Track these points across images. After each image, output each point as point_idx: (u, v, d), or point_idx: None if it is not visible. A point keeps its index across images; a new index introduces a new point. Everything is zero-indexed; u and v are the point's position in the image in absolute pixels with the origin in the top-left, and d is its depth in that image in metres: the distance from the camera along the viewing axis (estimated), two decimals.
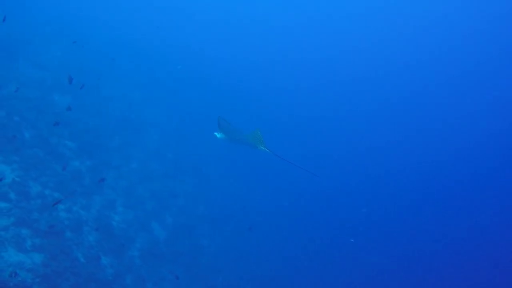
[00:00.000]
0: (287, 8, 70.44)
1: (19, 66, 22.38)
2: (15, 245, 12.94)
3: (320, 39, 66.74)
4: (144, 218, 19.55)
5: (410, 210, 37.68)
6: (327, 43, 66.12)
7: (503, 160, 49.35)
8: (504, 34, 62.40)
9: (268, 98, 47.37)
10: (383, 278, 28.01)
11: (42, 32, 29.09)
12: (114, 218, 17.85)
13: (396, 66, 64.48)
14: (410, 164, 46.37)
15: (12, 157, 15.72)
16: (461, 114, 58.11)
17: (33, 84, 21.06)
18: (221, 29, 59.05)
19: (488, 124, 56.51)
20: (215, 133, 12.64)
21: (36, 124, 18.26)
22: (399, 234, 33.80)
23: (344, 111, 52.22)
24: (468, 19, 65.48)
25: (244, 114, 39.31)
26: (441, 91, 61.38)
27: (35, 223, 13.93)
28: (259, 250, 25.78)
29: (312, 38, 66.81)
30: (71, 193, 16.46)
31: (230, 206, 27.20)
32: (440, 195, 42.33)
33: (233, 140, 12.88)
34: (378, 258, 29.72)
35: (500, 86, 60.67)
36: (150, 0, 52.92)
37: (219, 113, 32.71)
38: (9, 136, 16.33)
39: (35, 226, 13.84)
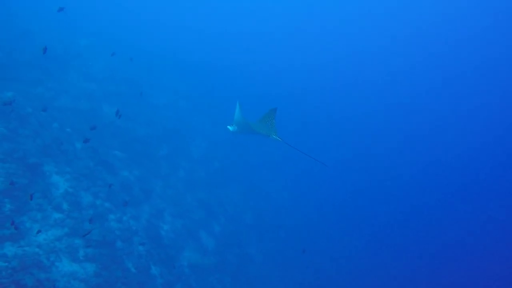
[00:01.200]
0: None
1: (70, 79, 22.92)
2: (69, 255, 13.11)
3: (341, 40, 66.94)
4: (192, 227, 19.57)
5: None
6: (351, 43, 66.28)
7: None
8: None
9: (315, 107, 47.38)
10: None
11: (91, 45, 29.79)
12: (163, 227, 17.92)
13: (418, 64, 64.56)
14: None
15: (65, 168, 16.01)
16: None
17: (83, 96, 21.51)
18: (262, 41, 59.44)
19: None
20: (228, 126, 12.46)
21: (87, 134, 18.57)
22: None
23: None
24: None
25: (287, 121, 39.12)
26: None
27: (88, 233, 14.07)
28: (306, 259, 25.42)
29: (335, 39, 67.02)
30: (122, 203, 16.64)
31: (277, 214, 26.99)
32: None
33: (245, 131, 12.61)
34: None
35: None
36: (194, 16, 53.77)
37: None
38: (62, 148, 16.66)
39: (88, 236, 13.98)
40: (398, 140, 49.57)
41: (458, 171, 47.02)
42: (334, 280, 25.55)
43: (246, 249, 22.35)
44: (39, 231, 11.19)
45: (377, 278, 26.72)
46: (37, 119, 17.22)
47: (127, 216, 16.59)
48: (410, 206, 38.35)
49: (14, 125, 15.80)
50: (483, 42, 64.33)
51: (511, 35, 61.17)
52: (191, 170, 23.22)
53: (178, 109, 29.13)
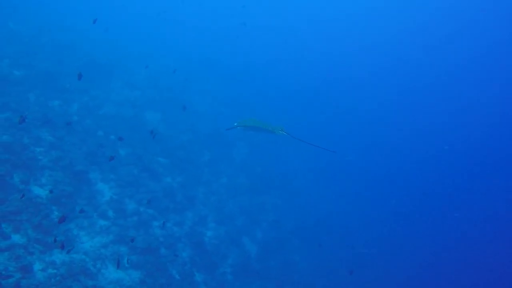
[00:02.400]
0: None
1: (114, 87, 23.32)
2: (115, 263, 13.19)
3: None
4: (235, 234, 19.42)
5: None
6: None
7: None
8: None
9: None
10: None
11: (132, 53, 30.32)
12: (206, 234, 17.86)
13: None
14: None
15: (110, 175, 16.23)
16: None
17: (127, 103, 21.82)
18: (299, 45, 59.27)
19: None
20: (234, 123, 12.30)
21: (131, 142, 18.80)
22: None
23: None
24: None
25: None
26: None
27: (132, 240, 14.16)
28: (351, 266, 24.86)
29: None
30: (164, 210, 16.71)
31: (320, 220, 26.55)
32: None
33: (251, 128, 12.41)
34: None
35: None
36: (234, 23, 54.02)
37: (304, 127, 32.37)
38: (107, 155, 16.88)
39: (132, 243, 14.06)
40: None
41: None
42: None
43: (289, 255, 22.01)
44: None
45: None
46: (83, 127, 17.56)
47: (171, 222, 16.63)
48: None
49: (61, 133, 16.13)
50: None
51: None
52: (233, 176, 23.12)
53: (219, 115, 29.15)
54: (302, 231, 24.23)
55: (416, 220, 33.73)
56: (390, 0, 70.67)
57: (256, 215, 22.01)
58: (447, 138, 49.74)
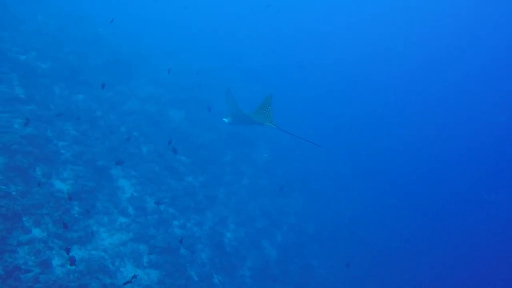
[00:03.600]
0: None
1: (138, 83, 23.19)
2: (133, 261, 12.98)
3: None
4: (255, 236, 19.09)
5: None
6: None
7: None
8: None
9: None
10: None
11: (156, 50, 30.22)
12: (226, 235, 17.56)
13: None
14: None
15: (131, 172, 16.05)
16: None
17: (150, 100, 21.67)
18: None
19: None
20: (224, 119, 12.04)
21: (153, 139, 18.63)
22: None
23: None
24: None
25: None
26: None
27: (152, 239, 13.95)
28: (370, 273, 24.42)
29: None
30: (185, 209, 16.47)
31: (341, 225, 26.11)
32: None
33: (240, 122, 12.12)
34: None
35: None
36: (257, 21, 53.89)
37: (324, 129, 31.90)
38: (129, 151, 16.72)
39: (152, 242, 13.85)
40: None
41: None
42: None
43: (309, 260, 21.63)
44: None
45: None
46: (106, 122, 17.43)
47: (191, 222, 16.37)
48: None
49: (84, 127, 16.01)
50: None
51: None
52: (254, 177, 22.79)
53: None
54: (321, 236, 23.85)
55: (437, 222, 33.18)
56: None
57: (276, 218, 21.67)
58: (466, 138, 49.42)
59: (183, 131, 20.80)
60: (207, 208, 17.76)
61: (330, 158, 32.84)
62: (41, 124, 14.50)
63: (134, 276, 11.47)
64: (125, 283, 10.98)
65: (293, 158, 28.17)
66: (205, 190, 18.44)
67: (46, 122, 14.84)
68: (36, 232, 11.14)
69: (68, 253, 10.59)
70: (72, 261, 9.93)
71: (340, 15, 70.40)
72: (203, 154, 20.26)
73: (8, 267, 9.76)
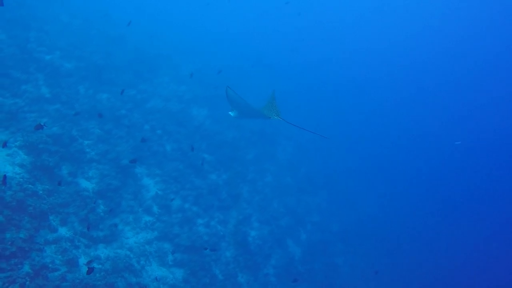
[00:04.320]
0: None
1: (161, 81, 23.23)
2: (158, 260, 12.99)
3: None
4: (279, 234, 18.96)
5: None
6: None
7: None
8: None
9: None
10: None
11: (180, 48, 30.26)
12: (250, 233, 17.46)
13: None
14: None
15: (155, 171, 16.05)
16: None
17: (173, 98, 21.67)
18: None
19: None
20: (229, 112, 11.84)
21: (177, 137, 18.61)
22: None
23: None
24: None
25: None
26: None
27: (176, 237, 13.94)
28: (395, 271, 24.09)
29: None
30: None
31: (365, 223, 25.80)
32: None
33: (246, 115, 11.88)
34: None
35: None
36: (279, 19, 53.70)
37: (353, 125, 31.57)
38: (153, 149, 16.74)
39: (176, 240, 13.83)
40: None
41: None
42: None
43: (333, 259, 21.41)
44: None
45: None
46: (130, 121, 17.46)
47: (215, 221, 16.31)
48: None
49: (109, 126, 16.07)
50: None
51: None
52: (278, 174, 22.64)
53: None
54: (346, 234, 23.59)
55: (461, 220, 32.65)
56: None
57: (300, 216, 21.50)
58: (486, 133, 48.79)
59: (206, 129, 20.73)
60: (231, 206, 17.68)
61: (353, 155, 32.50)
62: (67, 123, 14.59)
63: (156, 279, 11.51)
64: None
65: (316, 155, 27.92)
66: (228, 188, 18.36)
67: (72, 121, 14.93)
68: (63, 231, 11.21)
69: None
70: (90, 271, 9.94)
71: (358, 12, 69.98)
72: (226, 151, 20.18)
73: (36, 266, 9.83)
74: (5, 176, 9.52)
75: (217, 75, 23.34)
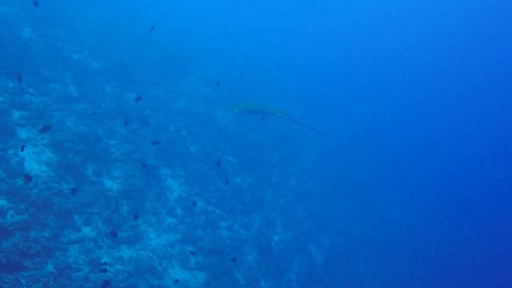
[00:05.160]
0: None
1: (187, 82, 23.20)
2: (181, 262, 12.85)
3: None
4: (302, 240, 18.71)
5: None
6: None
7: None
8: None
9: None
10: None
11: (206, 49, 30.23)
12: (273, 238, 17.24)
13: None
14: None
15: (179, 172, 15.96)
16: None
17: (199, 99, 21.61)
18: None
19: None
20: (235, 110, 11.61)
21: (202, 138, 18.51)
22: None
23: None
24: None
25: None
26: None
27: (199, 240, 13.79)
28: (419, 280, 23.60)
29: None
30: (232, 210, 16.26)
31: (388, 229, 25.38)
32: None
33: (250, 111, 11.63)
34: None
35: None
36: (305, 22, 53.46)
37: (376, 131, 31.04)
38: (178, 150, 16.65)
39: (199, 244, 13.69)
40: None
41: None
42: None
43: (356, 266, 21.05)
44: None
45: None
46: (155, 121, 17.42)
47: (238, 224, 16.14)
48: None
49: (134, 126, 16.04)
50: None
51: None
52: (302, 179, 22.41)
53: (289, 114, 28.45)
54: (368, 241, 23.24)
55: (489, 225, 31.97)
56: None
57: (323, 222, 21.20)
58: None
59: (231, 131, 20.61)
60: (255, 210, 17.49)
61: (377, 160, 32.10)
62: (93, 122, 14.59)
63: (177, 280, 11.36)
64: None
65: (340, 160, 27.59)
66: (252, 191, 18.21)
67: (98, 120, 14.93)
68: (87, 231, 11.15)
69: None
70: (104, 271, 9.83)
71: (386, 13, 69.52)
72: (251, 154, 20.01)
73: (60, 265, 9.77)
74: (29, 176, 9.47)
75: (241, 76, 23.23)
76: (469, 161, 42.73)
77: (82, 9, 23.84)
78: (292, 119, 10.79)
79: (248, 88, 24.83)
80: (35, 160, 11.61)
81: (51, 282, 9.35)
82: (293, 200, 20.34)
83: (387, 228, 25.51)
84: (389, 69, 53.93)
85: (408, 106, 47.58)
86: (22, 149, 10.09)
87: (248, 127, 21.98)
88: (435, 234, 28.74)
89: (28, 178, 9.42)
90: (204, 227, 14.53)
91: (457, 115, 51.93)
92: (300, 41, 48.38)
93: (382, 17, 68.94)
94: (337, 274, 19.31)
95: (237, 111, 11.80)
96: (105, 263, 10.53)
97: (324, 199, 22.64)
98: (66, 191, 11.27)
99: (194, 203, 12.64)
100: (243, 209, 16.86)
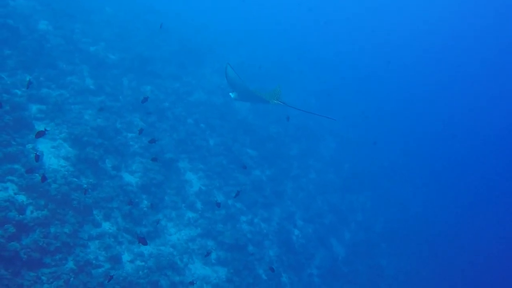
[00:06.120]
0: None
1: (204, 73, 22.89)
2: (201, 257, 12.62)
3: None
4: (323, 233, 18.38)
5: None
6: None
7: None
8: None
9: None
10: None
11: (223, 41, 29.88)
12: (294, 232, 16.94)
13: None
14: None
15: (199, 165, 15.71)
16: None
17: (217, 91, 21.29)
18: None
19: None
20: (230, 94, 11.23)
21: (220, 131, 18.21)
22: None
23: None
24: None
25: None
26: None
27: (220, 235, 13.52)
28: (442, 275, 23.17)
29: None
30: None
31: (410, 223, 24.94)
32: None
33: (246, 98, 11.21)
34: None
35: None
36: (322, 13, 52.82)
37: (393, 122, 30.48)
38: (197, 144, 16.38)
39: (220, 238, 13.43)
40: None
41: None
42: None
43: (377, 260, 20.67)
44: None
45: None
46: (174, 114, 17.17)
47: (258, 218, 15.86)
48: None
49: (152, 119, 15.81)
50: None
51: None
52: (321, 171, 22.03)
53: (307, 106, 28.09)
54: (390, 235, 22.86)
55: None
56: None
57: (344, 215, 20.84)
58: None
59: (249, 123, 20.28)
60: (275, 203, 17.20)
61: (398, 151, 31.60)
62: (111, 115, 14.38)
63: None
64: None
65: (361, 151, 27.13)
66: (272, 184, 17.90)
67: (116, 113, 14.72)
68: (106, 226, 10.96)
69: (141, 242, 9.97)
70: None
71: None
72: (270, 147, 19.68)
73: (80, 262, 9.59)
74: (44, 177, 9.24)
75: (262, 63, 22.87)
76: (492, 152, 41.99)
77: (98, 1, 23.62)
78: (288, 105, 10.41)
79: (266, 80, 24.38)
80: (54, 154, 11.43)
81: (72, 279, 9.17)
82: (313, 192, 20.00)
83: (408, 221, 25.11)
84: (411, 63, 53.25)
85: (432, 96, 47.01)
86: (41, 134, 9.67)
87: (267, 119, 21.63)
88: (456, 226, 28.25)
89: (44, 179, 9.23)
90: (225, 221, 14.27)
91: (481, 105, 51.24)
92: (321, 32, 47.75)
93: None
94: (359, 269, 18.95)
95: (233, 96, 11.45)
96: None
97: (345, 192, 22.25)
98: (85, 186, 11.06)
99: (218, 204, 12.26)
100: (263, 202, 16.57)
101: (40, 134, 9.58)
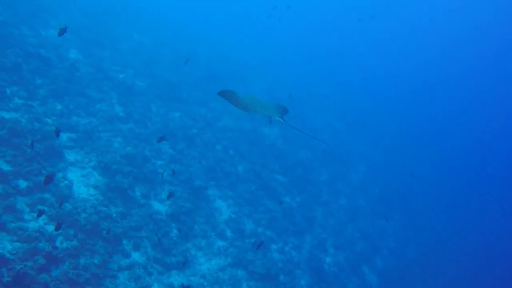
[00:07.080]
0: None
1: None
2: None
3: None
4: (354, 261, 17.79)
5: None
6: None
7: None
8: None
9: None
10: None
11: (249, 64, 29.94)
12: (325, 260, 16.42)
13: None
14: None
15: (228, 192, 15.45)
16: None
17: (244, 116, 21.13)
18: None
19: None
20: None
21: (249, 157, 17.98)
22: None
23: None
24: None
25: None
26: None
27: (250, 264, 13.16)
28: None
29: None
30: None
31: (443, 247, 24.13)
32: None
33: (246, 109, 10.67)
34: None
35: None
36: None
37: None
38: (225, 170, 16.16)
39: (250, 268, 13.06)
40: None
41: None
42: None
43: (411, 286, 19.93)
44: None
45: None
46: (202, 140, 17.03)
47: (289, 246, 15.44)
48: None
49: (181, 146, 15.68)
50: None
51: None
52: (351, 196, 21.54)
53: (334, 130, 27.75)
54: (423, 260, 22.12)
55: None
56: None
57: (375, 241, 20.22)
58: None
59: (278, 148, 20.03)
60: (305, 230, 16.76)
61: (427, 175, 30.89)
62: (140, 143, 14.31)
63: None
64: None
65: (391, 174, 26.55)
66: (302, 211, 17.50)
67: (144, 140, 14.65)
68: (136, 256, 10.73)
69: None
70: None
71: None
72: (299, 172, 19.34)
73: None
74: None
75: (289, 87, 22.74)
76: None
77: (126, 29, 23.95)
78: (290, 125, 10.09)
79: (294, 105, 24.19)
80: (83, 183, 11.34)
81: None
82: (343, 219, 19.50)
83: (443, 245, 24.31)
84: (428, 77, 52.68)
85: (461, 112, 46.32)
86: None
87: (296, 144, 21.35)
88: (497, 251, 27.26)
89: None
90: (255, 250, 13.90)
91: None
92: (346, 53, 47.69)
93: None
94: None
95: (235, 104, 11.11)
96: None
97: (375, 217, 21.66)
98: (114, 215, 10.90)
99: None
100: (294, 230, 16.15)
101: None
